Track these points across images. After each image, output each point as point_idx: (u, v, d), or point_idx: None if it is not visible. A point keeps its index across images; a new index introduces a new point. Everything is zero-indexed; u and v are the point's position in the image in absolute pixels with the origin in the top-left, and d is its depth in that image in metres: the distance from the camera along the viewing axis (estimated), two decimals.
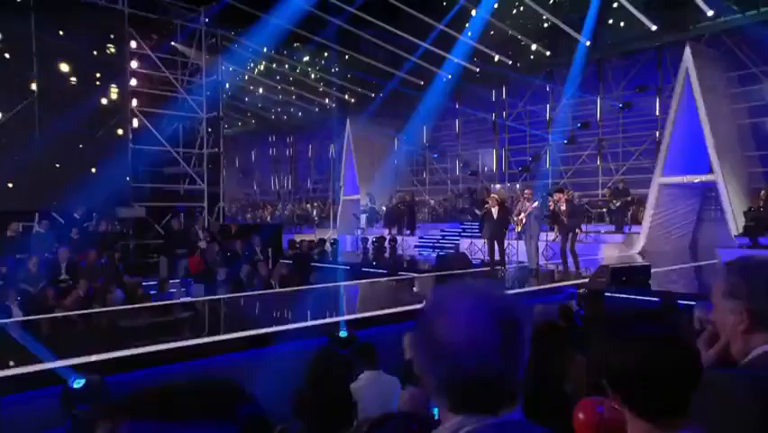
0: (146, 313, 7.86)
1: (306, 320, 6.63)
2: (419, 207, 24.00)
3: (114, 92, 13.12)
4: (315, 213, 27.19)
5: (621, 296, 8.66)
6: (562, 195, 12.08)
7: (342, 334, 6.28)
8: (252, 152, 32.07)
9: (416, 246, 19.88)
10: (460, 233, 19.56)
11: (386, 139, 24.40)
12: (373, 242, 18.92)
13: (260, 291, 9.38)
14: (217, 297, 9.55)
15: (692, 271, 12.63)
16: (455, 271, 12.09)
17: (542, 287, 9.59)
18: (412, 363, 5.21)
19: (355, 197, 24.22)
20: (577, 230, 12.13)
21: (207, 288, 11.75)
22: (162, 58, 13.98)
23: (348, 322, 6.38)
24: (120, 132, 13.17)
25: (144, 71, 13.82)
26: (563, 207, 11.68)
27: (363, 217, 23.55)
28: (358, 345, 5.22)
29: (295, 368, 4.34)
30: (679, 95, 15.18)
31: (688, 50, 14.81)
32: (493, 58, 19.48)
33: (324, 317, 6.62)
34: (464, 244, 17.94)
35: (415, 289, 10.92)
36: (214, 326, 7.11)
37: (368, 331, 6.88)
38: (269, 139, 31.22)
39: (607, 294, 8.77)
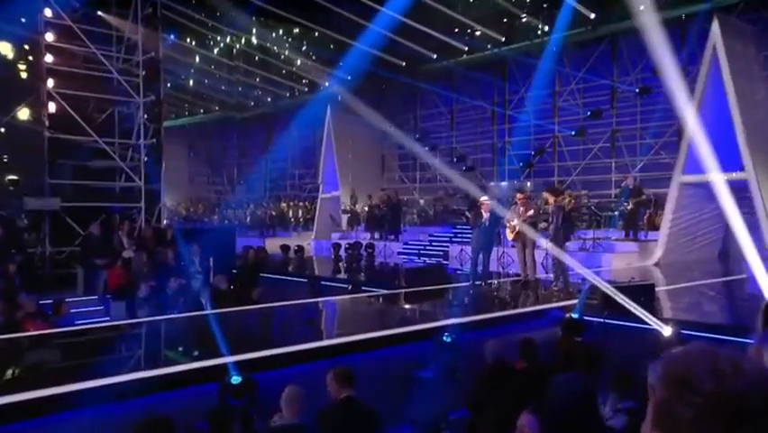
0: None
1: (195, 359, 5.70)
2: (408, 208, 23.20)
3: (22, 69, 12.29)
4: (291, 213, 26.36)
5: (616, 323, 7.75)
6: (550, 196, 11.30)
7: (235, 379, 5.37)
8: (222, 144, 31.23)
9: (399, 253, 19.03)
10: (450, 238, 18.68)
11: (371, 129, 23.58)
12: (346, 248, 18.08)
13: (167, 316, 8.49)
14: (99, 324, 8.66)
15: (716, 289, 11.63)
16: (428, 288, 11.25)
17: (515, 312, 8.65)
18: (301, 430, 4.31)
19: (335, 194, 23.40)
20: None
21: (130, 306, 10.94)
22: (87, 30, 13.12)
23: (241, 362, 5.45)
24: (32, 116, 12.32)
25: (63, 45, 12.97)
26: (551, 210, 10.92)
27: (344, 219, 22.80)
28: (219, 407, 4.32)
29: None
30: (704, 77, 14.29)
31: (716, 24, 13.91)
32: (486, 36, 18.50)
33: (220, 354, 5.68)
34: (454, 251, 17.10)
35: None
36: (55, 372, 6.13)
37: (276, 373, 5.98)
38: (240, 129, 30.36)
39: (599, 320, 7.89)
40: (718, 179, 12.20)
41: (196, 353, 5.90)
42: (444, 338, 6.99)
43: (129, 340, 7.33)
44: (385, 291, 11.38)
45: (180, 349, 5.99)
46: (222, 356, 5.52)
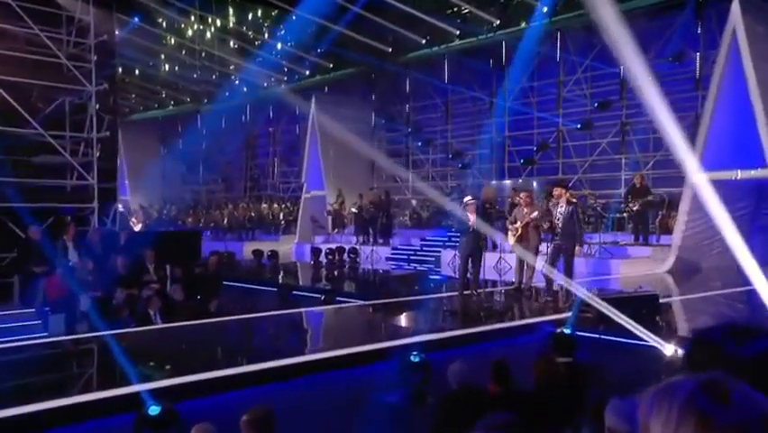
0: None
1: (111, 385, 5.27)
2: (400, 209, 22.85)
3: None
4: (272, 215, 25.95)
5: (612, 339, 7.34)
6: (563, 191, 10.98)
7: (153, 410, 4.92)
8: (197, 140, 30.79)
9: (387, 259, 18.67)
10: (444, 242, 18.28)
11: (360, 123, 23.23)
12: (327, 253, 17.73)
13: (106, 332, 8.05)
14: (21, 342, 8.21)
15: (733, 300, 11.21)
16: (409, 298, 10.86)
17: (497, 327, 8.22)
18: None
19: (319, 193, 23.03)
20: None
21: (70, 320, 10.55)
22: (30, 9, 12.70)
23: (161, 389, 5.01)
24: None
25: (1, 25, 12.54)
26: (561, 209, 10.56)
27: (330, 221, 22.52)
28: None
29: None
30: (723, 63, 13.92)
31: (736, 4, 13.56)
32: (479, 19, 18.03)
33: (140, 380, 5.25)
34: (447, 257, 16.72)
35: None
36: None
37: (206, 402, 5.54)
38: (218, 122, 29.94)
39: (594, 336, 7.49)
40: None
41: (115, 376, 5.45)
42: (412, 358, 6.55)
43: (44, 361, 6.89)
44: (360, 302, 10.96)
45: (99, 372, 5.55)
46: (141, 382, 5.07)
